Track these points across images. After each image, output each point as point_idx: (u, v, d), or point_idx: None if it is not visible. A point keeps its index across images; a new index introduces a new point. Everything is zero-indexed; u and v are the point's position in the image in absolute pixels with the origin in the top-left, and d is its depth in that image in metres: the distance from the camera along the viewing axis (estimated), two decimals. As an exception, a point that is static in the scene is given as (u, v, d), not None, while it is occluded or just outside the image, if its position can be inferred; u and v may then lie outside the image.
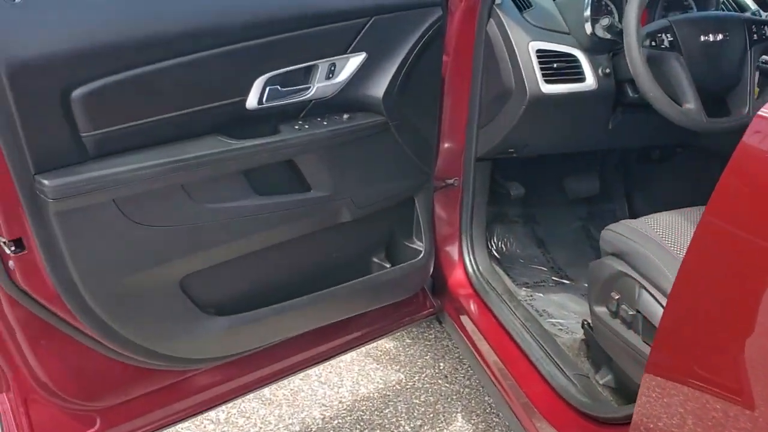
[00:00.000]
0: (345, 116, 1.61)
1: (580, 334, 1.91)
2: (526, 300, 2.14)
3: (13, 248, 1.30)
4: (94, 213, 1.30)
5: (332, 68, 1.55)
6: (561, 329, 1.98)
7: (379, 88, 1.63)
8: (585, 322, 1.83)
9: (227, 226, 1.49)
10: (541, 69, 1.86)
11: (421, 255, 1.91)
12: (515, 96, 1.87)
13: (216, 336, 1.58)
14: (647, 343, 1.46)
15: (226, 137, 1.44)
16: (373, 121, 1.65)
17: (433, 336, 2.74)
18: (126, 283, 1.40)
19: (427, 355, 2.60)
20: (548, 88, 1.86)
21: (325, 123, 1.57)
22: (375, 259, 1.91)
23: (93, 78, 1.24)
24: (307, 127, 1.55)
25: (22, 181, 1.24)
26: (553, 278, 2.32)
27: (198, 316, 1.54)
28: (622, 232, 1.56)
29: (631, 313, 1.49)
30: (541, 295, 2.19)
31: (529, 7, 1.95)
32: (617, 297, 1.54)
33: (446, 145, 2.04)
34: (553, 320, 2.04)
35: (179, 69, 1.33)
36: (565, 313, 2.08)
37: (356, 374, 2.49)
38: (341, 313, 1.84)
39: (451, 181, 2.07)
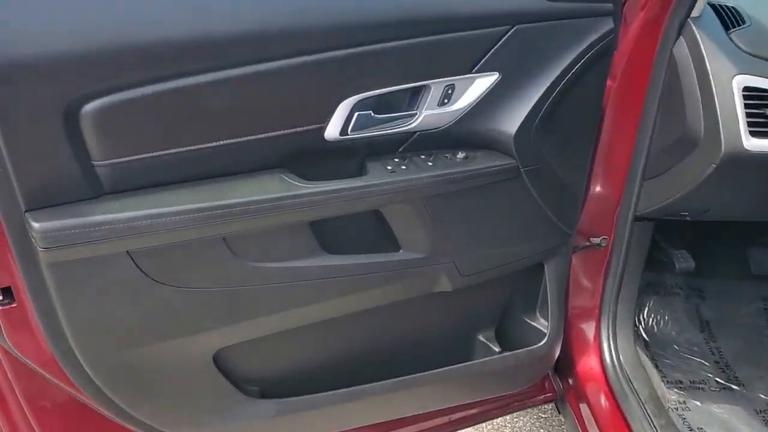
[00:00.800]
0: (460, 155, 1.21)
1: (752, 485, 1.39)
2: (676, 408, 1.63)
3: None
4: (100, 267, 0.98)
5: (449, 91, 1.15)
6: (724, 467, 1.46)
7: (512, 120, 1.21)
8: (766, 481, 1.31)
9: (282, 291, 1.14)
10: (748, 115, 1.35)
11: (545, 340, 1.47)
12: (703, 148, 1.36)
13: (259, 423, 1.24)
14: None
15: (292, 176, 1.08)
16: (498, 166, 1.23)
17: (549, 406, 2.27)
18: (140, 355, 1.08)
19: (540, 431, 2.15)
20: (754, 144, 1.34)
21: (430, 164, 1.18)
22: (481, 338, 1.49)
23: (113, 89, 0.92)
24: (404, 168, 1.16)
25: (8, 217, 0.94)
26: (718, 379, 1.77)
27: (236, 397, 1.20)
28: None
29: None
30: (699, 404, 1.66)
31: (740, 25, 1.42)
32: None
33: (596, 195, 1.56)
34: (714, 449, 1.52)
35: (235, 84, 0.98)
36: (731, 440, 1.55)
37: (449, 445, 2.09)
38: (429, 405, 1.44)
39: (597, 241, 1.60)
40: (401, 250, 1.22)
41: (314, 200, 1.08)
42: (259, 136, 1.04)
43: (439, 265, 1.26)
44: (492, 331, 1.50)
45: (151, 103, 0.94)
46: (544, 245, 1.41)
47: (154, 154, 0.98)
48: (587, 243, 1.61)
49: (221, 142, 1.01)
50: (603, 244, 1.60)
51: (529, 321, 1.50)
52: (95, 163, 0.95)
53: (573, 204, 1.43)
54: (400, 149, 1.18)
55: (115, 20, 0.91)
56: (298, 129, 1.06)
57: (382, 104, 1.11)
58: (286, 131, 1.05)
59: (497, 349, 1.47)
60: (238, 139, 1.03)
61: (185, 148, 1.00)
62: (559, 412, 1.81)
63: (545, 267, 1.45)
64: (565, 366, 1.71)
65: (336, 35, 1.02)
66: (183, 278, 1.05)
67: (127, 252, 0.99)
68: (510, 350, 1.46)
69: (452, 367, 1.38)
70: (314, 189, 1.08)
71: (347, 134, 1.10)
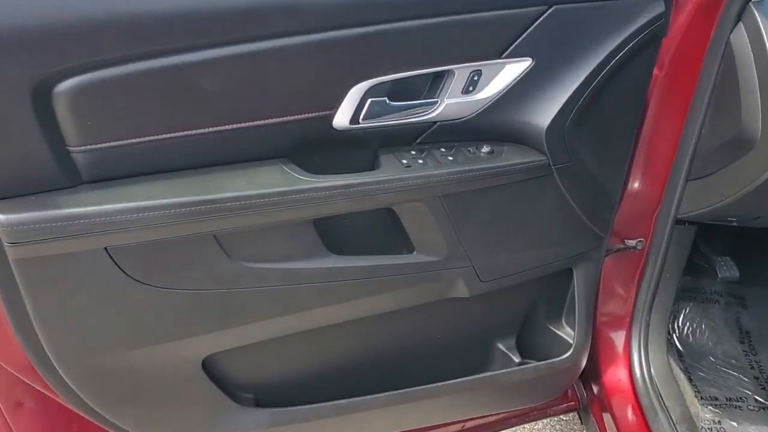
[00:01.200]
0: (484, 149, 1.09)
1: None
2: (710, 429, 1.51)
3: (-35, 293, 0.92)
4: (75, 265, 0.89)
5: (475, 77, 1.03)
6: (761, 498, 1.34)
7: (544, 112, 1.09)
8: None
9: (281, 294, 1.03)
10: (814, 115, 1.19)
11: (570, 351, 1.35)
12: (760, 150, 1.22)
13: (252, 433, 1.14)
14: None
15: (296, 168, 0.97)
16: (526, 162, 1.11)
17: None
18: (120, 361, 0.99)
19: (558, 438, 2.04)
20: (820, 148, 1.19)
21: (450, 158, 1.06)
22: (500, 347, 1.37)
23: (91, 67, 0.81)
24: (421, 162, 1.04)
25: None
26: (757, 397, 1.63)
27: (227, 406, 1.11)
28: None
29: None
30: (735, 424, 1.53)
31: (810, 11, 1.26)
32: None
33: (634, 194, 1.43)
34: (750, 477, 1.39)
35: (231, 63, 0.87)
36: (769, 468, 1.43)
37: (463, 447, 1.99)
38: (440, 418, 1.34)
39: (632, 243, 1.47)
40: (415, 252, 1.11)
41: (319, 196, 0.97)
42: (259, 122, 0.93)
43: (457, 270, 1.15)
44: (512, 339, 1.39)
45: (135, 82, 0.84)
46: (574, 250, 1.28)
47: (138, 140, 0.88)
48: (622, 245, 1.48)
49: (214, 129, 0.91)
50: (639, 247, 1.47)
51: (553, 330, 1.38)
52: (71, 148, 0.85)
53: (608, 206, 1.30)
54: (418, 141, 1.07)
55: None
56: (303, 116, 0.95)
57: (398, 90, 0.99)
58: (289, 118, 0.94)
59: (517, 360, 1.36)
60: (234, 126, 0.92)
61: (173, 135, 0.89)
62: (581, 421, 1.69)
63: (574, 272, 1.33)
64: (590, 374, 1.60)
65: (348, 11, 0.90)
66: (168, 279, 0.95)
67: (106, 249, 0.89)
68: (531, 360, 1.35)
69: (465, 378, 1.27)
70: (319, 183, 0.96)
71: (358, 123, 0.98)
